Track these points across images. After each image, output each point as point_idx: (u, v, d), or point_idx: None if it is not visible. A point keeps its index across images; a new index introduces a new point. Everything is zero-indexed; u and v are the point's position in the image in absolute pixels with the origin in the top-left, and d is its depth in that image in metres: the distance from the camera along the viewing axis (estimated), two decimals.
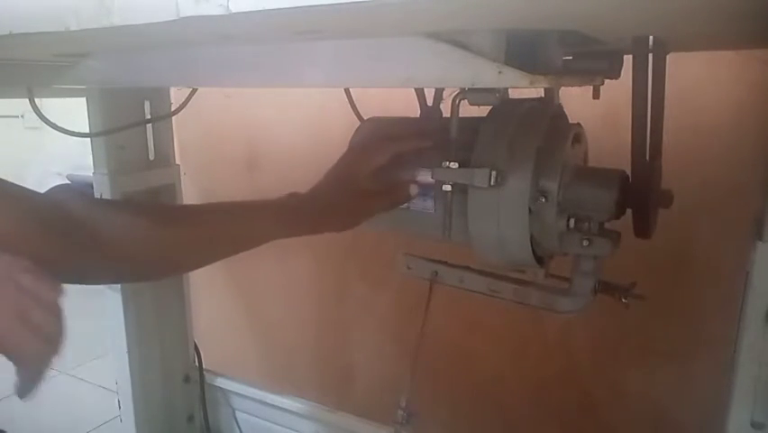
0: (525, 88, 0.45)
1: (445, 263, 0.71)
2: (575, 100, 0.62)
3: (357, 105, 0.84)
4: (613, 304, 0.62)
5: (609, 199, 0.56)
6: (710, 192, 0.89)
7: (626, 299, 0.62)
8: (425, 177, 0.61)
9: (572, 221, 0.57)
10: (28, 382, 0.40)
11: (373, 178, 0.62)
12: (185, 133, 1.30)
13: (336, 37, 0.48)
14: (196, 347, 1.24)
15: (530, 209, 0.56)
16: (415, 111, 0.71)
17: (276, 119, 1.36)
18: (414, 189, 0.62)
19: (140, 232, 0.58)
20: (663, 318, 0.97)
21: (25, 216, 0.51)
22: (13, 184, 0.52)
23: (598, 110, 0.68)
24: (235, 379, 1.26)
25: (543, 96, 0.63)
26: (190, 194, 1.34)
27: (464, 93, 0.53)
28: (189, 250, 0.61)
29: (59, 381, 1.89)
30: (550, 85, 0.48)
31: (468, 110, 0.55)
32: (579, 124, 0.61)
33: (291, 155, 1.34)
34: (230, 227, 0.62)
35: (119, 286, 1.06)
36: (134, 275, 0.70)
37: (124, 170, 1.04)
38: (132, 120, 1.03)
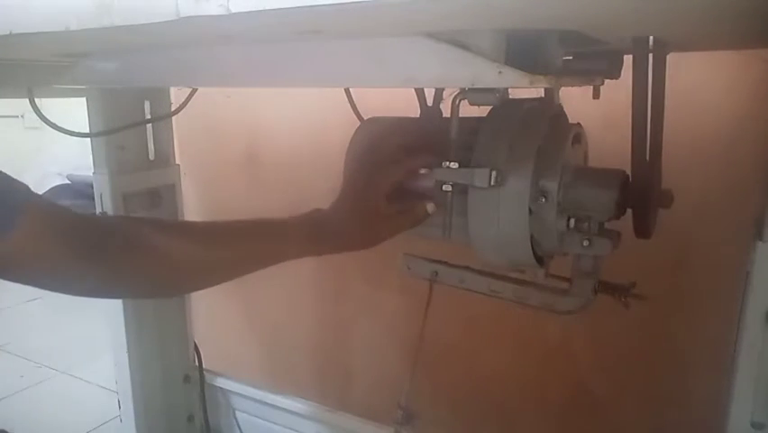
0: (525, 88, 0.45)
1: (445, 263, 0.71)
2: (575, 100, 0.62)
3: (357, 106, 0.84)
4: (613, 304, 0.62)
5: (609, 199, 0.56)
6: (710, 192, 0.89)
7: (626, 298, 0.62)
8: (426, 177, 0.61)
9: (572, 221, 0.57)
10: None
11: (390, 198, 0.61)
12: (185, 133, 1.30)
13: (336, 37, 0.48)
14: (196, 347, 1.23)
15: (530, 209, 0.56)
16: (415, 111, 0.71)
17: (276, 119, 1.36)
18: (431, 208, 0.62)
19: (178, 253, 0.60)
20: (663, 318, 0.97)
21: (57, 231, 0.53)
22: (44, 199, 0.54)
23: (598, 110, 0.68)
24: (235, 379, 1.26)
25: (543, 96, 0.63)
26: (190, 194, 1.34)
27: (464, 93, 0.53)
28: (223, 269, 0.63)
29: (59, 381, 1.89)
30: (550, 85, 0.48)
31: (468, 110, 0.55)
32: (579, 124, 0.61)
33: (291, 155, 1.34)
34: (262, 247, 0.63)
35: None
36: (162, 292, 0.73)
37: (124, 170, 1.04)
38: (132, 120, 1.03)
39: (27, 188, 0.52)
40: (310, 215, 0.64)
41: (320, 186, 0.66)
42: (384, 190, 0.61)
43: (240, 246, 0.62)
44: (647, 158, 0.56)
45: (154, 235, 0.59)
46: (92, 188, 1.04)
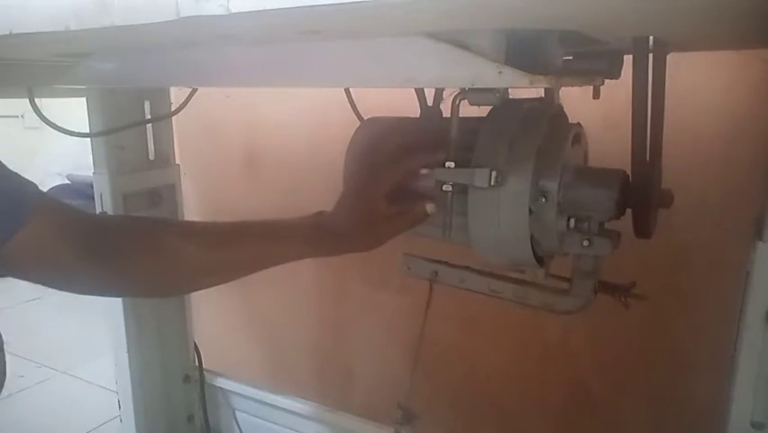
0: (525, 88, 0.45)
1: (445, 263, 0.71)
2: (575, 100, 0.62)
3: (357, 106, 0.84)
4: (613, 304, 0.62)
5: (609, 199, 0.56)
6: (711, 192, 0.89)
7: (626, 298, 0.62)
8: (427, 178, 0.61)
9: (572, 221, 0.57)
10: None
11: (389, 200, 0.61)
12: (185, 133, 1.30)
13: (336, 37, 0.48)
14: (196, 347, 1.24)
15: (530, 209, 0.56)
16: (415, 111, 0.71)
17: (276, 119, 1.36)
18: (431, 209, 0.62)
19: (185, 253, 0.60)
20: (663, 318, 0.97)
21: (66, 230, 0.54)
22: (53, 198, 0.55)
23: (598, 110, 0.68)
24: (235, 379, 1.26)
25: (543, 96, 0.63)
26: (190, 194, 1.34)
27: (464, 93, 0.53)
28: (228, 269, 0.63)
29: (59, 381, 1.89)
30: (550, 85, 0.48)
31: (468, 110, 0.55)
32: (579, 124, 0.61)
33: (291, 155, 1.34)
34: (266, 249, 0.63)
35: None
36: (166, 291, 0.74)
37: (124, 170, 1.04)
38: (132, 120, 1.03)
39: (36, 186, 0.53)
40: (313, 217, 0.65)
41: (320, 185, 0.66)
42: (384, 190, 0.61)
43: (244, 247, 0.63)
44: (647, 158, 0.56)
45: (161, 235, 0.60)
46: (92, 188, 1.04)
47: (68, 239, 0.53)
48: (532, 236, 0.57)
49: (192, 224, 0.69)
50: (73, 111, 0.98)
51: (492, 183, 0.55)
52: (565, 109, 0.63)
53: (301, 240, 0.63)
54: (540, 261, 0.61)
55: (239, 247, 0.62)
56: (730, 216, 0.84)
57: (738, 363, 0.46)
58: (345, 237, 0.63)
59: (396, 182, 0.61)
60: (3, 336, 0.51)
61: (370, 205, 0.61)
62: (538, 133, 0.57)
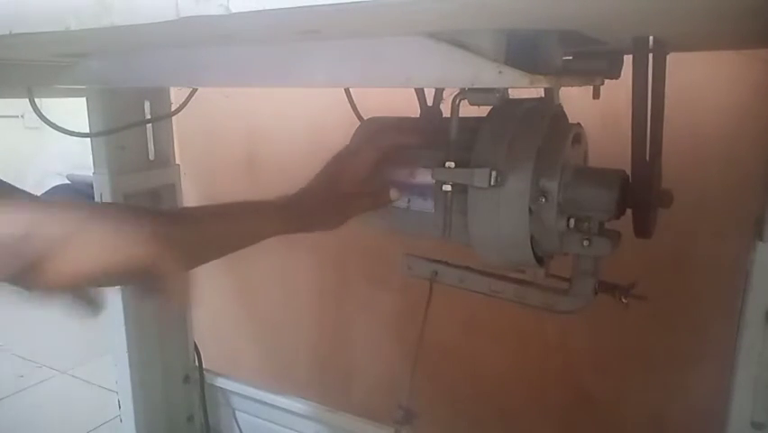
0: (525, 88, 0.45)
1: (445, 263, 0.71)
2: (575, 100, 0.62)
3: (357, 106, 0.84)
4: (613, 304, 0.62)
5: (609, 199, 0.56)
6: (710, 192, 0.89)
7: (626, 299, 0.62)
8: (425, 177, 0.61)
9: (572, 221, 0.57)
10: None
11: (358, 182, 0.63)
12: (185, 133, 1.30)
13: (336, 37, 0.48)
14: (196, 347, 1.23)
15: (530, 209, 0.56)
16: (415, 111, 0.71)
17: (276, 119, 1.36)
18: (394, 194, 0.63)
19: (140, 234, 0.58)
20: (663, 318, 0.97)
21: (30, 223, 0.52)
22: (14, 187, 0.53)
23: (598, 110, 0.68)
24: (235, 379, 1.26)
25: (543, 96, 0.63)
26: (190, 194, 1.34)
27: (464, 93, 0.53)
28: (188, 251, 0.62)
29: (59, 381, 1.89)
30: (550, 85, 0.48)
31: (468, 110, 0.55)
32: (579, 124, 0.61)
33: (291, 155, 1.34)
34: (228, 227, 0.63)
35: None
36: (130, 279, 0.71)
37: (124, 170, 1.04)
38: (132, 120, 1.03)
39: None
40: (282, 197, 0.66)
41: None
42: (354, 173, 0.62)
43: (210, 226, 0.62)
44: (647, 158, 0.56)
45: (125, 216, 0.58)
46: (92, 188, 1.04)
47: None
48: (532, 236, 0.57)
49: (152, 208, 0.68)
50: (73, 111, 0.98)
51: (492, 183, 0.55)
52: (565, 109, 0.63)
53: (270, 218, 0.64)
54: (540, 261, 0.61)
55: (206, 227, 0.62)
56: (730, 215, 0.84)
57: (738, 363, 0.46)
58: (307, 212, 0.64)
59: (368, 166, 0.62)
60: None
61: (335, 185, 0.63)
62: (538, 133, 0.57)
